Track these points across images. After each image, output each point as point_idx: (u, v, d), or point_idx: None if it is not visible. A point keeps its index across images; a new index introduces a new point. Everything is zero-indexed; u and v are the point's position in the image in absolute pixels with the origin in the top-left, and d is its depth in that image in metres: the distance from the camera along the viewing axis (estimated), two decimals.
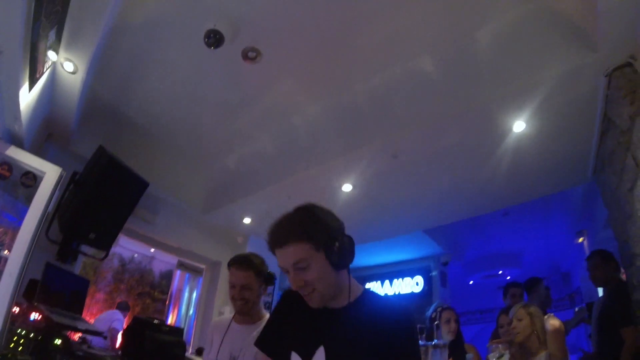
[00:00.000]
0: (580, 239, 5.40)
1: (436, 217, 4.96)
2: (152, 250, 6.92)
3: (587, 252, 4.83)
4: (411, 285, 7.00)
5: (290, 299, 1.31)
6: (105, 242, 3.33)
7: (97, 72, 2.84)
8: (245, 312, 2.01)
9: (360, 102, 3.30)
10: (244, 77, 3.16)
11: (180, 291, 7.68)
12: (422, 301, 6.53)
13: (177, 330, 3.78)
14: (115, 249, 6.59)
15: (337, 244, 1.13)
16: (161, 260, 7.43)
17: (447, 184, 4.04)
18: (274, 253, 1.17)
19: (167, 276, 7.68)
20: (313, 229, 1.13)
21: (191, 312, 6.79)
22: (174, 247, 4.94)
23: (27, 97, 2.29)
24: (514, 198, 4.27)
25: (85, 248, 3.43)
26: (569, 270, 7.47)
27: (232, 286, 1.99)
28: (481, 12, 2.61)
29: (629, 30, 2.20)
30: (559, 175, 3.70)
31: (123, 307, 5.43)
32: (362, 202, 4.30)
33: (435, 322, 2.80)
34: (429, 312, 2.98)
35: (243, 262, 2.01)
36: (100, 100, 3.27)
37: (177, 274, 7.73)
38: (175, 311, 7.42)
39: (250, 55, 2.91)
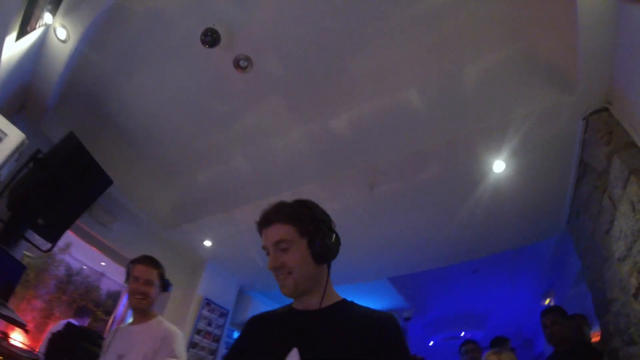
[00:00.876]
0: (547, 301, 5.37)
1: (405, 264, 4.86)
2: (103, 264, 6.47)
3: None
4: None
5: (255, 320, 1.28)
6: (52, 233, 3.06)
7: (87, 52, 2.74)
8: (141, 307, 2.06)
9: (342, 130, 3.28)
10: (232, 87, 3.11)
11: (125, 315, 7.15)
12: None
13: None
14: (64, 256, 6.14)
15: (321, 235, 1.13)
16: (111, 279, 6.93)
17: (421, 226, 3.99)
18: (261, 234, 1.18)
19: (114, 297, 7.14)
20: (300, 214, 1.16)
21: None
22: (125, 259, 4.60)
23: (12, 48, 2.17)
24: (487, 249, 4.25)
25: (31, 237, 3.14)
26: (533, 336, 7.37)
27: (136, 279, 2.07)
28: (468, 51, 2.72)
29: (605, 76, 2.32)
30: (534, 224, 3.72)
31: (83, 313, 4.91)
32: None
33: None
34: None
35: (152, 260, 2.19)
36: (82, 85, 3.12)
37: (126, 295, 7.23)
38: None
39: (242, 64, 2.88)
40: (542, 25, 2.49)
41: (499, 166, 3.03)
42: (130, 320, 2.20)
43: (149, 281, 2.08)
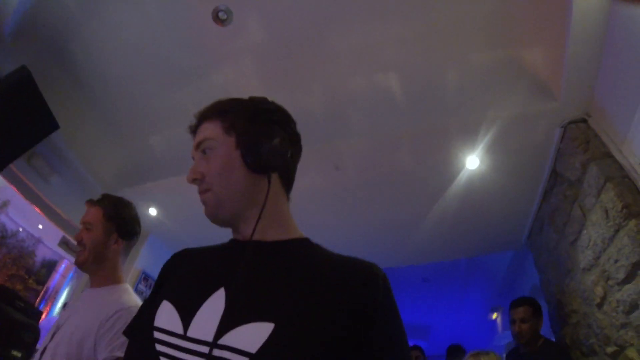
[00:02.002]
0: (494, 315, 5.42)
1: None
2: (41, 227, 6.03)
3: (499, 329, 4.83)
4: None
5: (181, 253, 0.91)
6: None
7: None
8: (80, 263, 1.53)
9: (314, 104, 3.12)
10: (205, 41, 2.87)
11: (60, 287, 6.71)
12: None
13: (34, 312, 3.15)
14: (0, 215, 5.67)
15: (256, 129, 0.81)
16: (48, 246, 6.48)
17: (379, 220, 3.85)
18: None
19: (50, 266, 6.68)
20: (232, 106, 0.87)
21: None
22: (63, 219, 4.22)
23: None
24: (444, 253, 4.20)
25: None
26: (472, 349, 7.48)
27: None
28: (455, 46, 2.67)
29: (587, 89, 2.36)
30: (496, 234, 3.69)
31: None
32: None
33: None
34: None
35: (99, 198, 1.65)
36: (42, 17, 2.78)
37: (63, 266, 6.79)
38: (47, 308, 6.41)
39: (221, 16, 2.66)
40: (532, 34, 2.50)
41: (472, 162, 2.97)
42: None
43: (87, 224, 1.55)
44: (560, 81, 2.39)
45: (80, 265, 1.54)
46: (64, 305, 5.63)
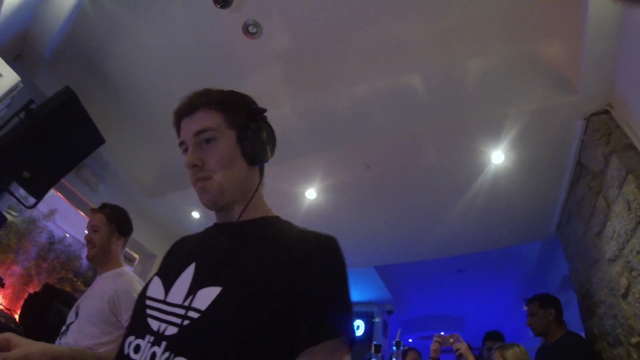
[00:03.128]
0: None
1: (393, 253, 4.81)
2: (86, 232, 6.34)
3: None
4: None
5: (177, 241, 1.08)
6: (38, 188, 2.96)
7: (90, 2, 2.65)
8: (91, 257, 1.95)
9: (342, 105, 3.24)
10: (236, 53, 3.04)
11: None
12: (361, 347, 6.25)
13: None
14: (48, 223, 6.03)
15: (255, 127, 0.92)
16: None
17: (413, 214, 3.96)
18: (178, 128, 0.95)
19: (95, 268, 7.01)
20: (230, 100, 0.95)
21: None
22: None
23: None
24: (475, 245, 4.24)
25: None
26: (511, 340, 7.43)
27: (87, 229, 2.01)
28: (474, 43, 2.73)
29: (608, 81, 2.35)
30: (525, 225, 3.73)
31: None
32: (322, 214, 4.09)
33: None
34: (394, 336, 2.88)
35: (100, 206, 2.10)
36: (81, 38, 2.99)
37: None
38: None
39: (250, 29, 2.81)
40: (549, 27, 2.52)
41: (498, 157, 3.01)
42: None
43: (94, 227, 1.98)
44: (579, 74, 2.39)
45: (90, 259, 1.97)
46: None
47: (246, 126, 0.92)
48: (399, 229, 4.24)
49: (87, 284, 6.75)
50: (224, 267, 0.80)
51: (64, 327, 1.84)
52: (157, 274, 0.92)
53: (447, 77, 2.89)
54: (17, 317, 3.42)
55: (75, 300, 3.39)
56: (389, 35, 2.77)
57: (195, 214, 4.59)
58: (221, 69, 3.20)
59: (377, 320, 6.58)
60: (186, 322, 0.73)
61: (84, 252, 7.09)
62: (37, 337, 1.97)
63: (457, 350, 2.62)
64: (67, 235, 6.49)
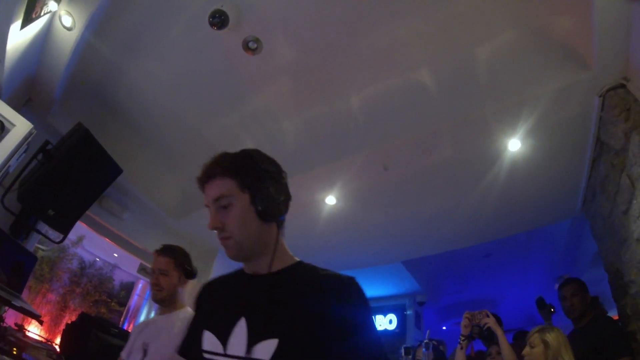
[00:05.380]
0: None
1: (419, 248, 4.80)
2: (116, 255, 6.52)
3: None
4: (384, 323, 6.74)
5: (206, 286, 1.18)
6: (64, 224, 3.05)
7: (92, 40, 2.69)
8: (159, 299, 2.02)
9: (353, 110, 3.23)
10: (241, 70, 3.06)
11: (139, 306, 7.23)
12: (394, 340, 6.27)
13: (126, 334, 3.45)
14: (77, 249, 6.19)
15: (266, 188, 1.01)
16: (124, 270, 7.00)
17: (435, 208, 3.93)
18: (203, 190, 1.07)
19: (128, 288, 7.22)
20: (241, 166, 1.04)
21: None
22: (139, 249, 4.62)
23: (17, 37, 2.14)
24: (501, 231, 4.19)
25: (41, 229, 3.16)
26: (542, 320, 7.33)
27: (152, 271, 2.04)
28: (480, 30, 2.66)
29: (622, 52, 2.25)
30: (549, 206, 3.66)
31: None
32: (345, 219, 4.12)
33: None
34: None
35: (165, 249, 2.08)
36: (88, 75, 3.09)
37: (139, 286, 7.29)
38: (131, 326, 6.93)
39: (251, 45, 2.82)
40: (556, 2, 2.41)
41: (514, 145, 2.96)
42: (158, 311, 2.15)
43: (163, 271, 2.00)
44: (592, 48, 2.30)
45: (159, 301, 2.03)
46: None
47: (258, 187, 1.01)
48: (422, 224, 4.23)
49: (121, 303, 6.93)
50: (275, 320, 0.92)
51: None
52: (205, 326, 1.02)
53: (456, 68, 2.83)
54: (56, 345, 3.52)
55: (112, 325, 3.49)
56: (392, 35, 2.73)
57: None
58: (228, 88, 3.23)
59: (409, 312, 6.57)
60: None
61: (116, 274, 7.27)
62: None
63: (486, 324, 2.60)
64: (97, 259, 6.66)
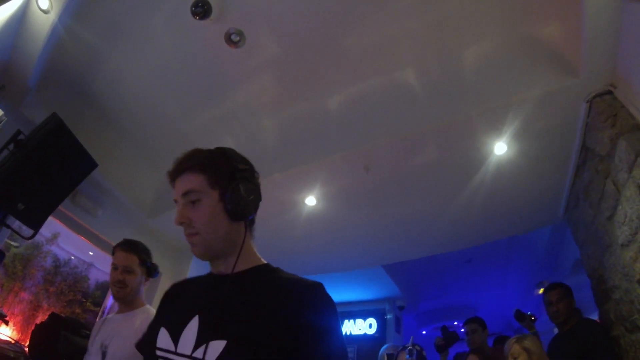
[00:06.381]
0: (541, 290, 5.34)
1: (400, 252, 4.75)
2: (91, 254, 6.33)
3: None
4: (364, 327, 6.70)
5: (173, 286, 1.18)
6: (35, 219, 2.90)
7: (69, 25, 2.55)
8: (122, 297, 1.96)
9: (336, 109, 3.17)
10: (222, 63, 2.96)
11: (115, 307, 7.01)
12: (375, 344, 6.24)
13: None
14: (51, 247, 5.99)
15: (236, 186, 0.99)
16: (99, 269, 6.81)
17: (417, 212, 3.90)
18: (173, 185, 1.06)
19: (104, 287, 7.01)
20: (213, 162, 1.03)
21: None
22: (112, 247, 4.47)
23: None
24: (483, 236, 4.18)
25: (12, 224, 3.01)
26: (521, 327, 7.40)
27: (115, 268, 1.98)
28: (469, 32, 2.65)
29: (609, 59, 2.26)
30: (532, 212, 3.66)
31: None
32: (325, 221, 4.02)
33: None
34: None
35: (129, 245, 2.03)
36: (64, 63, 2.94)
37: None
38: None
39: (233, 38, 2.74)
40: (545, 8, 2.42)
41: (500, 148, 2.95)
42: (116, 309, 2.06)
43: (128, 268, 1.95)
44: (580, 54, 2.31)
45: (121, 299, 1.97)
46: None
47: (227, 185, 0.99)
48: (404, 227, 4.18)
49: (96, 303, 6.72)
50: (226, 321, 0.89)
51: None
52: (162, 324, 1.00)
53: (443, 70, 2.81)
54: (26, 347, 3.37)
55: (83, 326, 3.36)
56: (379, 33, 2.69)
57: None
58: (209, 82, 3.13)
59: (389, 316, 6.55)
60: None
61: (91, 273, 7.07)
62: None
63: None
64: (73, 257, 6.46)
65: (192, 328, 0.91)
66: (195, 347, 0.87)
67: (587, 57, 2.27)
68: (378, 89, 2.99)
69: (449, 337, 3.41)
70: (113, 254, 2.04)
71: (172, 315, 1.02)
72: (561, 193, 3.27)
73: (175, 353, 0.90)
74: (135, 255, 1.99)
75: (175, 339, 0.92)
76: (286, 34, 2.75)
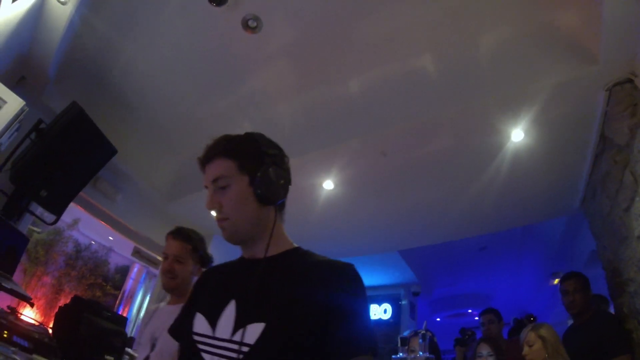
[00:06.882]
0: (556, 281, 5.31)
1: (417, 237, 4.77)
2: (111, 238, 6.48)
3: None
4: (379, 312, 6.77)
5: (206, 272, 1.20)
6: (57, 205, 3.01)
7: (87, 15, 2.61)
8: (172, 288, 1.85)
9: (353, 95, 3.17)
10: (239, 49, 2.98)
11: (134, 290, 7.23)
12: (390, 330, 6.30)
13: (119, 318, 3.45)
14: (72, 232, 6.16)
15: (265, 171, 0.99)
16: (119, 253, 6.98)
17: (433, 198, 3.90)
18: (204, 172, 1.05)
19: (123, 272, 7.22)
20: (241, 147, 1.04)
21: (142, 315, 6.34)
22: (132, 232, 4.59)
23: (8, 11, 2.06)
24: (499, 223, 4.17)
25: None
26: (536, 315, 7.37)
27: (165, 257, 1.86)
28: (485, 19, 2.62)
29: (630, 47, 2.21)
30: (548, 201, 3.64)
31: None
32: (342, 205, 4.08)
33: None
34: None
35: (182, 233, 1.90)
36: (82, 52, 3.01)
37: (135, 270, 7.28)
38: (126, 310, 6.93)
39: (250, 24, 2.75)
40: None
41: (517, 135, 2.92)
42: (167, 298, 1.97)
43: (178, 257, 1.83)
44: (599, 41, 2.25)
45: (170, 290, 1.86)
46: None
47: (257, 170, 0.99)
48: (420, 213, 4.20)
49: (116, 287, 6.92)
50: (263, 304, 0.90)
51: (139, 358, 1.75)
52: (197, 309, 1.01)
53: (460, 56, 2.78)
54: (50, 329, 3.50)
55: (104, 308, 3.47)
56: (396, 19, 2.66)
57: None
58: (225, 68, 3.14)
59: (403, 302, 6.58)
60: (241, 355, 0.85)
61: (111, 257, 7.25)
62: (71, 349, 1.99)
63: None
64: (93, 242, 6.64)
65: (229, 312, 0.93)
66: (234, 331, 0.89)
67: (606, 44, 2.22)
68: (395, 74, 2.98)
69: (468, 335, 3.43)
70: (166, 241, 1.91)
71: (207, 300, 1.03)
72: (578, 183, 3.22)
73: (214, 337, 0.92)
74: (187, 243, 1.87)
75: (213, 323, 0.94)
76: (303, 19, 2.75)
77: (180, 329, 1.06)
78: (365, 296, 0.93)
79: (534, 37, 2.59)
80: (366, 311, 0.93)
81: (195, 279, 1.84)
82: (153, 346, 1.73)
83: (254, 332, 0.86)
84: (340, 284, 0.90)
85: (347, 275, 0.93)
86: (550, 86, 2.56)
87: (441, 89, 2.91)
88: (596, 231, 2.96)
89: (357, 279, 0.93)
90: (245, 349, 0.85)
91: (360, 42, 2.84)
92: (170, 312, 1.77)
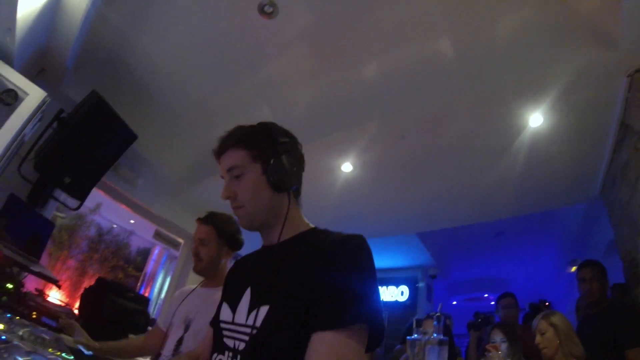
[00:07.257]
0: (573, 268, 5.25)
1: (435, 220, 4.77)
2: (132, 222, 6.67)
3: None
4: (396, 294, 6.81)
5: (237, 262, 1.23)
6: (80, 191, 3.11)
7: (102, 6, 2.63)
8: (199, 270, 1.87)
9: (371, 79, 3.14)
10: (256, 34, 2.95)
11: (155, 271, 7.43)
12: (406, 312, 6.37)
13: (142, 299, 3.57)
14: (95, 217, 6.36)
15: (278, 158, 1.02)
16: (140, 236, 7.18)
17: (453, 181, 3.89)
18: (219, 163, 1.09)
19: (144, 254, 7.43)
20: (253, 137, 1.06)
21: (163, 295, 6.53)
22: (153, 215, 4.70)
23: (27, 4, 2.09)
24: (517, 208, 4.13)
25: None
26: (554, 302, 7.33)
27: (193, 241, 1.92)
28: (503, 3, 2.53)
29: None
30: (567, 187, 3.59)
31: None
32: (361, 187, 4.11)
33: None
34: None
35: (207, 216, 1.92)
36: (99, 42, 3.04)
37: (155, 252, 7.48)
38: (147, 291, 7.15)
39: (266, 9, 2.72)
40: None
41: (536, 120, 2.87)
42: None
43: (203, 240, 1.85)
44: (620, 26, 2.19)
45: (198, 272, 1.89)
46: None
47: (269, 158, 1.02)
48: (438, 196, 4.19)
49: (138, 268, 7.16)
50: (272, 287, 0.93)
51: (175, 343, 1.79)
52: (224, 299, 1.09)
53: (478, 40, 2.71)
54: (75, 310, 3.66)
55: (128, 289, 3.58)
56: (414, 3, 2.60)
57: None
58: (242, 54, 3.14)
59: (420, 284, 6.61)
60: (248, 338, 0.90)
61: (132, 240, 7.46)
62: (95, 328, 2.08)
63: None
64: (115, 226, 6.85)
65: (245, 299, 0.98)
66: (248, 315, 0.94)
67: (627, 30, 2.16)
68: (412, 58, 2.93)
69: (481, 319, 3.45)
70: None
71: (231, 290, 1.09)
72: (598, 170, 3.17)
73: (233, 323, 0.98)
74: (210, 226, 1.87)
75: (234, 310, 1.00)
76: (319, 4, 2.72)
77: (213, 320, 1.12)
78: (362, 264, 0.88)
79: (552, 21, 2.51)
80: (360, 279, 0.86)
81: (225, 261, 1.93)
82: (187, 327, 1.79)
83: (261, 315, 0.90)
84: (336, 257, 0.87)
85: (345, 248, 0.89)
86: (570, 71, 2.51)
87: (459, 73, 2.87)
88: (615, 221, 2.91)
89: (357, 248, 0.90)
90: (254, 331, 0.89)
91: (377, 26, 2.79)
92: (204, 295, 1.87)
